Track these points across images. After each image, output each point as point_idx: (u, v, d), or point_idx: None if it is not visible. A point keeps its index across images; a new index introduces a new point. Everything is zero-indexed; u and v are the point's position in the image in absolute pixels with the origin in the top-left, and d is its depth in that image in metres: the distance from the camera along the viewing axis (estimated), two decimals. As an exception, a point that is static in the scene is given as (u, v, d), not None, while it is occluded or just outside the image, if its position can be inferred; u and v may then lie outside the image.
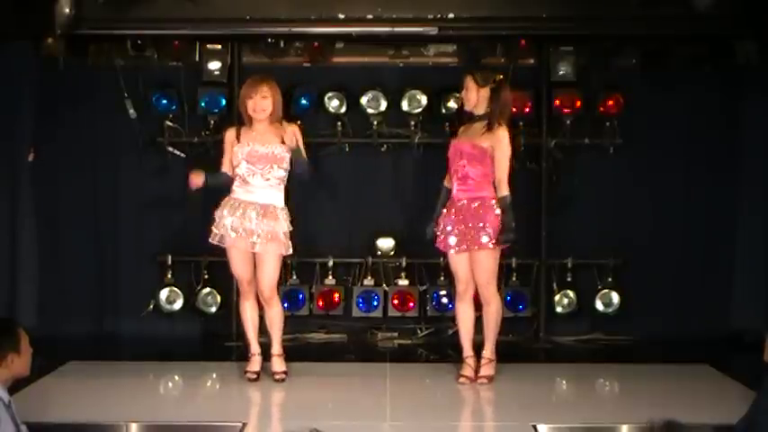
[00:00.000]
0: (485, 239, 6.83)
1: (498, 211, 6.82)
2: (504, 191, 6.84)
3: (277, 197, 6.95)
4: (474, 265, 6.94)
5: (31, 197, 8.61)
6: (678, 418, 3.84)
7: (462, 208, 6.92)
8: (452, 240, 6.95)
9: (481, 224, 6.83)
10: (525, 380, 7.23)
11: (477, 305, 7.12)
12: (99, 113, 8.78)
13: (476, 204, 6.88)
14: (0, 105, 8.33)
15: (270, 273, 6.97)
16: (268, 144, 6.93)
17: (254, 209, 6.88)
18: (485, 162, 6.87)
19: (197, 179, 7.01)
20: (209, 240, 7.00)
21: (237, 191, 6.96)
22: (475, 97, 6.95)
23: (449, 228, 6.97)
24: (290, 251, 7.02)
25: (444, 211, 7.04)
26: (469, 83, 6.96)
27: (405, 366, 7.85)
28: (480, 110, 6.97)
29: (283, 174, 6.97)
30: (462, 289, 7.07)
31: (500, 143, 6.86)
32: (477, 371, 7.05)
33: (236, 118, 7.12)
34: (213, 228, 6.97)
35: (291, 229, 6.97)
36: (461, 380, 7.04)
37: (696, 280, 8.82)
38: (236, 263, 7.03)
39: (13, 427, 4.58)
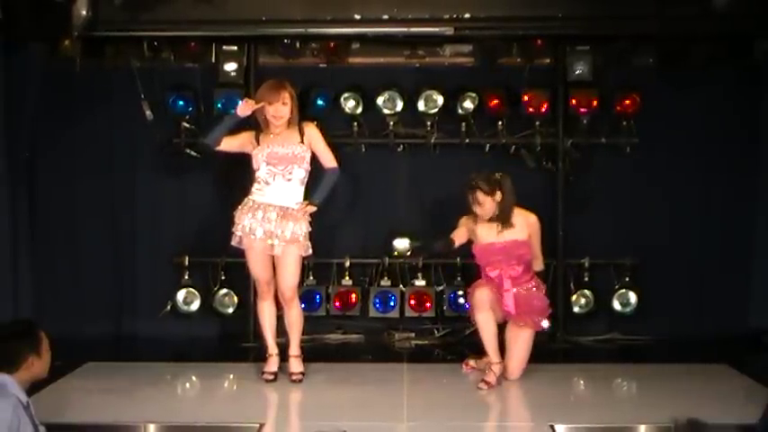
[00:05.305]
0: (530, 322, 7.09)
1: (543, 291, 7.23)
2: (540, 265, 7.30)
3: (298, 197, 6.96)
4: (514, 336, 7.13)
5: (47, 198, 8.67)
6: (701, 418, 3.84)
7: (513, 293, 7.10)
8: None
9: (532, 309, 7.09)
10: (543, 380, 7.21)
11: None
12: (115, 115, 8.79)
13: (524, 290, 7.12)
14: (16, 106, 8.35)
15: (290, 274, 6.98)
16: (287, 144, 6.95)
17: (274, 210, 6.89)
18: (525, 252, 7.09)
19: (246, 108, 6.97)
20: (231, 243, 7.02)
21: (257, 193, 6.96)
22: (492, 206, 7.07)
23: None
24: (310, 252, 7.03)
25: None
26: (480, 196, 7.05)
27: (422, 367, 7.83)
28: (498, 210, 7.10)
29: (304, 174, 6.98)
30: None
31: (533, 227, 7.16)
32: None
33: (252, 120, 7.10)
34: (233, 230, 6.99)
35: (311, 229, 6.98)
36: (482, 385, 7.00)
37: (713, 279, 8.78)
38: (255, 264, 7.03)
39: (32, 428, 4.59)
